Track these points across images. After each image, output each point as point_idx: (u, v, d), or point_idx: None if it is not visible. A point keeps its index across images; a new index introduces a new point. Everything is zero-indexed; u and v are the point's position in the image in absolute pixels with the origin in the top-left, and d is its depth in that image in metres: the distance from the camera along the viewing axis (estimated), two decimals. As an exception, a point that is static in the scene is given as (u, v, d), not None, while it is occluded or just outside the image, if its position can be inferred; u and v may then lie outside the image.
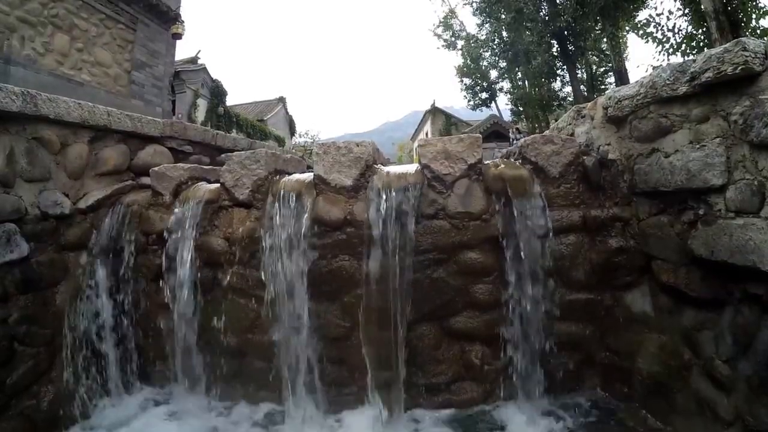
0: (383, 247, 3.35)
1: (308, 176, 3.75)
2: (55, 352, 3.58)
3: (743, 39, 2.39)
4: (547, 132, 4.26)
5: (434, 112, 33.87)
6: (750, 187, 2.37)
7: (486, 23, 26.65)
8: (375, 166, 3.70)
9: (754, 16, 11.79)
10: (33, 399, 3.35)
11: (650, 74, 3.06)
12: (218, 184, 3.88)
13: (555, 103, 24.84)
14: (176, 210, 3.77)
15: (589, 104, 3.90)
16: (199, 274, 3.68)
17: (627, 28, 18.50)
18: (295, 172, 4.11)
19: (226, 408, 3.65)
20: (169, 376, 3.81)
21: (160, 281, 3.72)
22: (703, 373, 2.77)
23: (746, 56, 2.33)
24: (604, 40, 20.73)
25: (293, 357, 3.49)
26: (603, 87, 23.92)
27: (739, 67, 2.35)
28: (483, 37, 28.10)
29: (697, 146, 2.67)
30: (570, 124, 4.24)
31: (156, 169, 4.09)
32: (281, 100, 30.63)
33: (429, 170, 3.56)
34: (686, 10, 12.99)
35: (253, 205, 3.76)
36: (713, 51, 2.51)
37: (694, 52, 12.56)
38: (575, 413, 3.31)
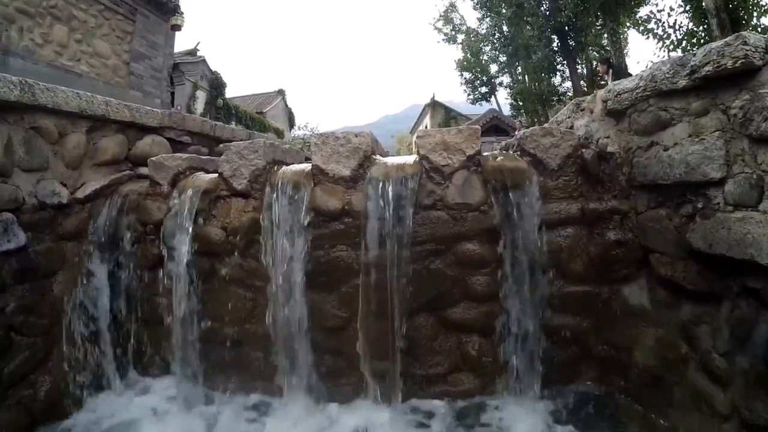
0: (381, 238, 3.36)
1: (306, 166, 3.75)
2: (52, 341, 3.59)
3: (744, 33, 2.39)
4: (546, 125, 4.26)
5: (434, 105, 33.77)
6: (749, 181, 2.37)
7: (486, 17, 26.49)
8: (373, 156, 3.70)
9: (755, 14, 11.80)
10: (30, 389, 3.35)
11: (650, 67, 3.05)
12: (216, 174, 3.87)
13: (555, 98, 24.74)
14: (174, 200, 3.77)
15: (589, 97, 3.89)
16: (196, 264, 3.68)
17: (628, 24, 18.43)
18: (293, 163, 4.11)
19: (223, 398, 3.66)
20: (166, 366, 3.82)
21: (158, 271, 3.73)
22: (700, 367, 2.78)
23: (746, 50, 2.32)
24: (605, 35, 20.65)
25: (290, 347, 3.50)
26: (602, 82, 23.81)
27: (739, 61, 2.34)
28: (483, 32, 27.97)
29: (697, 140, 2.66)
30: (569, 117, 4.23)
31: (154, 159, 4.08)
32: (280, 92, 30.50)
33: (427, 161, 3.56)
34: (687, 7, 12.98)
35: (251, 195, 3.75)
36: (713, 45, 2.50)
37: (694, 49, 12.56)
38: (572, 406, 3.32)
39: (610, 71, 9.99)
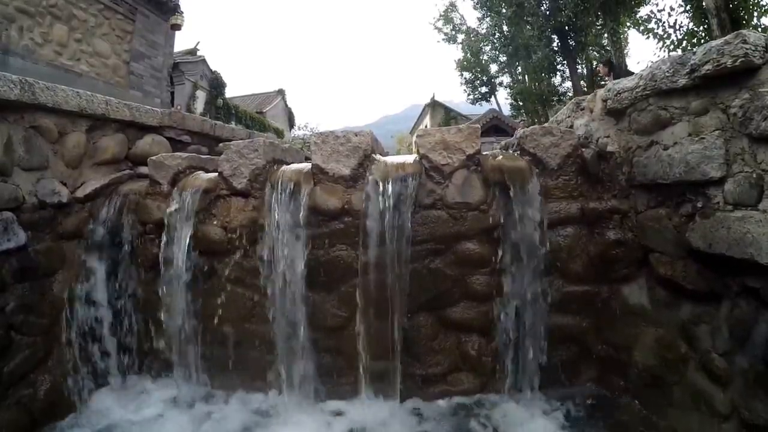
0: (381, 237, 3.36)
1: (306, 166, 3.75)
2: (52, 341, 3.58)
3: (743, 32, 2.39)
4: (546, 124, 4.27)
5: (434, 105, 33.68)
6: (748, 180, 2.37)
7: (486, 17, 26.50)
8: (373, 156, 3.69)
9: (755, 13, 11.81)
10: (30, 388, 3.33)
11: (650, 66, 3.05)
12: (216, 174, 3.87)
13: (555, 98, 24.75)
14: (174, 199, 3.76)
15: (589, 97, 3.89)
16: (196, 263, 3.68)
17: (628, 23, 18.44)
18: (293, 162, 4.11)
19: (223, 397, 3.65)
20: (166, 365, 3.81)
21: (158, 270, 3.72)
22: (700, 367, 2.78)
23: (746, 49, 2.33)
24: (605, 35, 20.68)
25: (290, 346, 3.50)
26: (603, 83, 23.76)
27: (739, 60, 2.35)
28: (483, 31, 27.98)
29: (696, 139, 2.67)
30: (569, 116, 4.23)
31: (154, 158, 4.07)
32: (280, 92, 30.46)
33: (427, 160, 3.56)
34: (687, 7, 12.99)
35: (251, 195, 3.75)
36: (713, 43, 2.50)
37: (695, 48, 12.57)
38: (571, 406, 3.33)
39: (611, 73, 9.96)
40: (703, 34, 12.48)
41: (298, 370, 3.50)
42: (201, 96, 18.74)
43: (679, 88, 2.74)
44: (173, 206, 3.73)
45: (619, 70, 10.60)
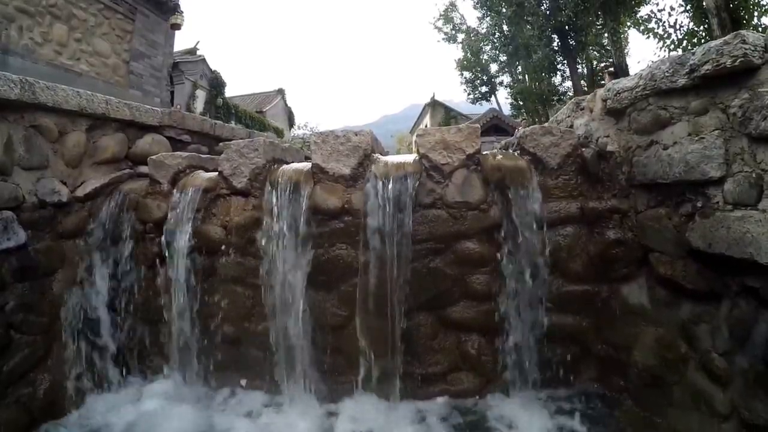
0: (381, 237, 3.36)
1: (306, 165, 3.75)
2: (51, 340, 3.58)
3: (742, 32, 2.39)
4: (546, 124, 4.26)
5: (434, 105, 33.58)
6: (748, 180, 2.37)
7: (487, 17, 26.46)
8: (373, 155, 3.69)
9: (755, 13, 11.80)
10: (29, 387, 3.34)
11: (650, 66, 3.05)
12: (216, 173, 3.87)
13: (555, 98, 24.72)
14: (174, 198, 3.77)
15: (588, 96, 3.88)
16: (196, 262, 3.68)
17: (628, 23, 18.41)
18: (293, 162, 4.11)
19: (223, 397, 3.65)
20: (165, 365, 3.81)
21: (157, 269, 3.73)
22: (700, 367, 2.78)
23: (745, 49, 2.33)
24: (605, 35, 20.63)
25: (290, 345, 3.50)
26: (603, 82, 23.72)
27: (738, 60, 2.35)
28: (483, 31, 27.97)
29: (696, 138, 2.67)
30: (569, 116, 4.22)
31: (154, 157, 4.07)
32: (280, 91, 30.42)
33: (427, 160, 3.56)
34: (688, 7, 12.97)
35: (251, 194, 3.76)
36: (712, 43, 2.51)
37: (695, 48, 12.56)
38: (571, 405, 3.32)
39: None
40: (704, 34, 12.46)
41: (297, 369, 3.50)
42: (201, 95, 18.73)
43: (679, 88, 2.74)
44: (173, 206, 3.73)
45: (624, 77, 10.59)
